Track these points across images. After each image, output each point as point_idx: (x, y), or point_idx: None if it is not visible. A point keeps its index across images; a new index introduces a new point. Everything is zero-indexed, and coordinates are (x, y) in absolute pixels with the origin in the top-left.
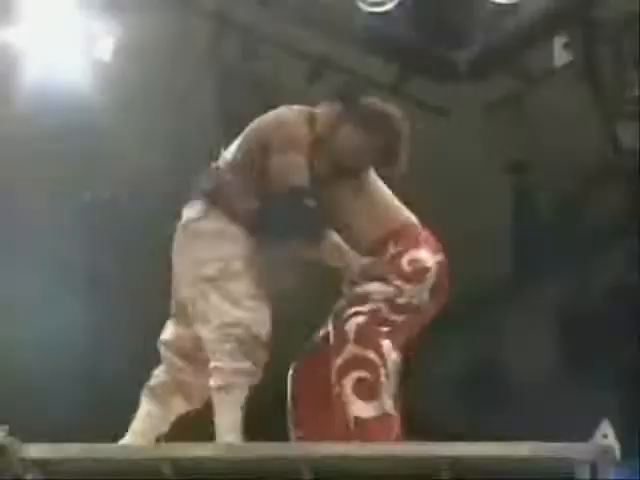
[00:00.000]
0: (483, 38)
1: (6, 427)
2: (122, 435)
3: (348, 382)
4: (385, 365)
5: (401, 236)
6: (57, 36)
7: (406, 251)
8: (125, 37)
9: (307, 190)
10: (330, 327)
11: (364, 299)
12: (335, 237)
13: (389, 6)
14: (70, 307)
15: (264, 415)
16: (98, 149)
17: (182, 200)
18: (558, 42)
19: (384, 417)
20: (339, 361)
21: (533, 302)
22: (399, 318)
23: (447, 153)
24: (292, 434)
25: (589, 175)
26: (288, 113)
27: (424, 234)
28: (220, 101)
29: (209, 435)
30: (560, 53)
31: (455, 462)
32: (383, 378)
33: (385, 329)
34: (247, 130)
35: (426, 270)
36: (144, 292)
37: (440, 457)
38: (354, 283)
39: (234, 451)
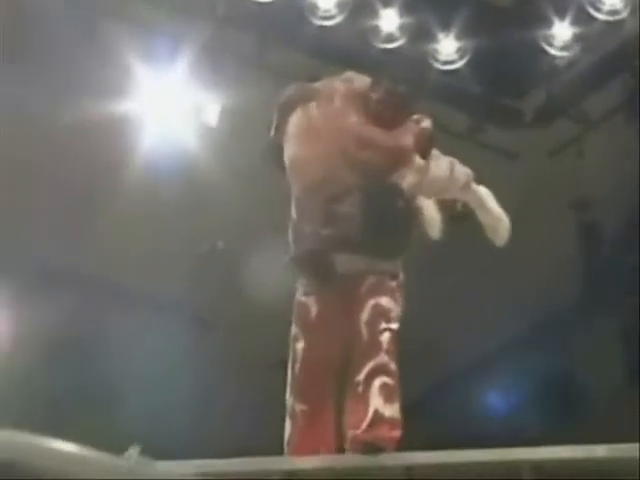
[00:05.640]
0: (545, 87)
1: (138, 447)
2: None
3: (376, 382)
4: (399, 378)
5: None
6: (170, 106)
7: None
8: (228, 104)
9: None
10: (364, 331)
11: (388, 317)
12: None
13: (459, 64)
14: (190, 347)
15: None
16: (207, 204)
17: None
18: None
19: (395, 420)
20: (371, 364)
21: (600, 324)
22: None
23: (516, 192)
24: None
25: None
26: None
27: None
28: None
29: None
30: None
31: (537, 465)
32: (398, 387)
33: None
34: None
35: None
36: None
37: (523, 461)
38: (370, 295)
39: None
